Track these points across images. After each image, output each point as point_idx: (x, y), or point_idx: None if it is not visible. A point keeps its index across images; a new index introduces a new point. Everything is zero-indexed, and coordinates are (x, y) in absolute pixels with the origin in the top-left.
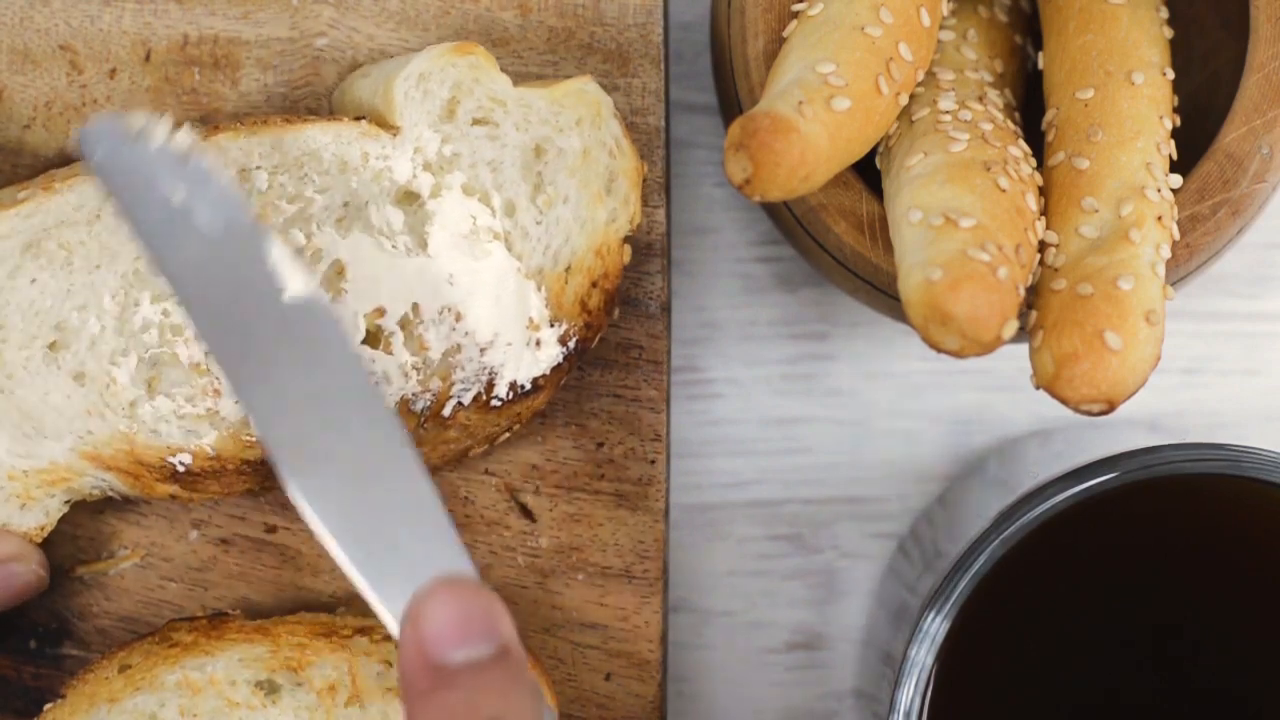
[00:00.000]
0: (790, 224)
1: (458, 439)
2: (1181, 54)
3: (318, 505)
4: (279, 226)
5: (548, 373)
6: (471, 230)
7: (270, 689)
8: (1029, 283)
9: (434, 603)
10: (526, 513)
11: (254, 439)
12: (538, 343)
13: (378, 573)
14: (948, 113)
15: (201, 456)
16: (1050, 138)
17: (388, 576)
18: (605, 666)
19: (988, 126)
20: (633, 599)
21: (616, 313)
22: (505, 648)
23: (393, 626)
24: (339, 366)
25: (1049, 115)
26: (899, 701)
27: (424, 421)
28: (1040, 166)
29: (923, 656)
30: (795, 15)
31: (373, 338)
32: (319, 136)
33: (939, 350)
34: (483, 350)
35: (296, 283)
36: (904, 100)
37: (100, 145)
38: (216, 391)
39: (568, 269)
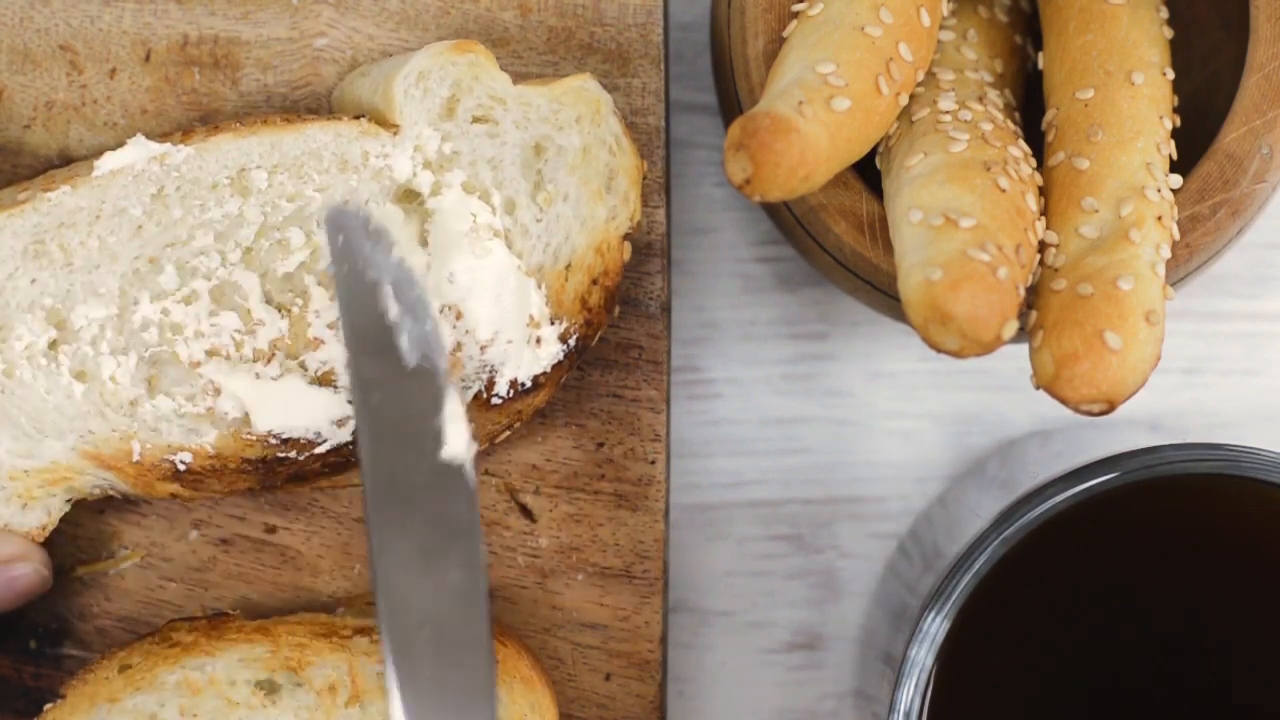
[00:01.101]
0: (790, 224)
1: None
2: (1181, 54)
3: (396, 655)
4: (278, 225)
5: (548, 370)
6: (471, 228)
7: (270, 689)
8: (1029, 283)
9: None
10: (526, 513)
11: (253, 438)
12: (538, 340)
13: None
14: (948, 113)
15: (202, 455)
16: (1050, 138)
17: None
18: (605, 666)
19: (988, 126)
20: (633, 599)
21: (617, 310)
22: None
23: None
24: (461, 533)
25: (1049, 115)
26: (899, 701)
27: None
28: (1040, 166)
29: (923, 656)
30: (795, 15)
31: None
32: (319, 135)
33: (939, 350)
34: (483, 348)
35: (455, 444)
36: (904, 100)
37: (344, 232)
38: (216, 390)
39: (568, 266)
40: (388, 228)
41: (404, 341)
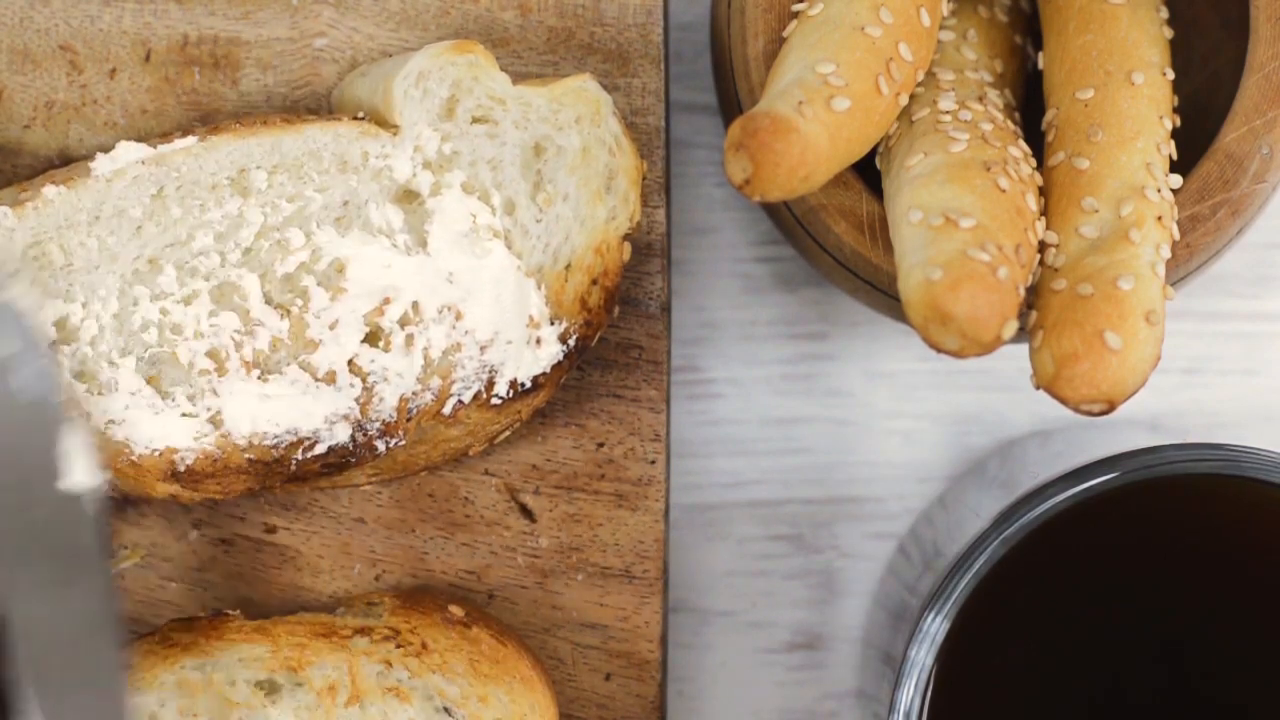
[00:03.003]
0: (790, 224)
1: (458, 437)
2: (1181, 54)
3: (38, 696)
4: (278, 225)
5: (548, 370)
6: (471, 228)
7: (270, 689)
8: (1029, 283)
9: None
10: (526, 513)
11: (253, 439)
12: (538, 340)
13: None
14: (948, 113)
15: (202, 455)
16: (1050, 138)
17: None
18: (605, 666)
19: (988, 126)
20: (633, 599)
21: (616, 310)
22: None
23: None
24: (87, 568)
25: (1049, 115)
26: (899, 701)
27: (424, 419)
28: (1040, 166)
29: (923, 656)
30: (795, 15)
31: (373, 336)
32: (318, 136)
33: (939, 350)
34: (483, 348)
35: (78, 475)
36: (904, 100)
37: None
38: (215, 391)
39: (568, 267)
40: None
41: (14, 380)
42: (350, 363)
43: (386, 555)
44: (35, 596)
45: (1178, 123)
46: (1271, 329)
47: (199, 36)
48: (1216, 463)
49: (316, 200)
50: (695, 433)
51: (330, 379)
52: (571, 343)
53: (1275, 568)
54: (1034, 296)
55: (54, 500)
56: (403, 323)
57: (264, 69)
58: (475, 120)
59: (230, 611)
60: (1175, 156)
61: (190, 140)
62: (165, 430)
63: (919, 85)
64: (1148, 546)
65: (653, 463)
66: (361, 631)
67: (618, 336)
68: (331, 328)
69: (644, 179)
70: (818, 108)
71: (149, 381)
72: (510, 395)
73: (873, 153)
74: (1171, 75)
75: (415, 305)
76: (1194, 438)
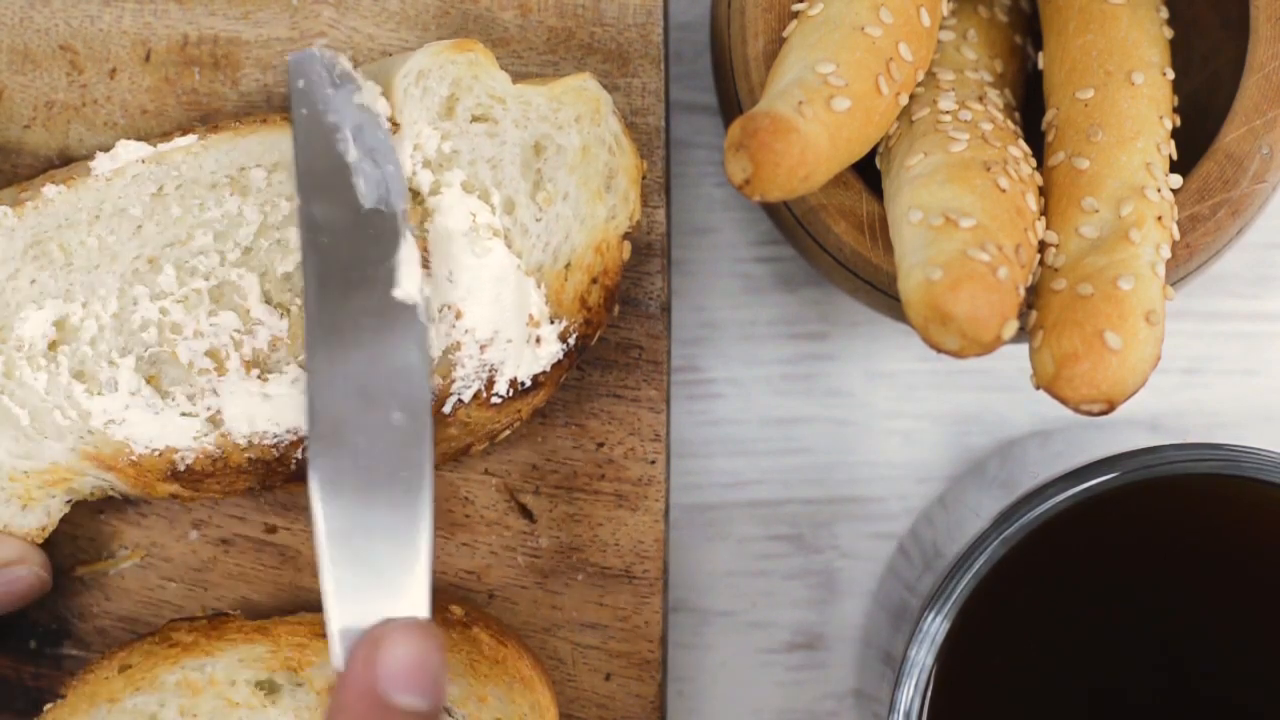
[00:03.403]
0: (790, 224)
1: (458, 436)
2: (1181, 54)
3: (325, 491)
4: (277, 224)
5: (548, 369)
6: (471, 227)
7: (270, 689)
8: (1029, 283)
9: (399, 640)
10: (526, 513)
11: (253, 438)
12: (538, 339)
13: (348, 581)
14: (948, 113)
15: (202, 455)
16: (1050, 138)
17: (355, 588)
18: (605, 666)
19: (988, 126)
20: (633, 599)
21: (616, 310)
22: (438, 709)
23: (335, 637)
24: (406, 374)
25: (1049, 115)
26: (899, 701)
27: None
28: (1040, 166)
29: (923, 656)
30: (795, 15)
31: None
32: None
33: (939, 350)
34: (483, 347)
35: (408, 286)
36: (904, 100)
37: (306, 76)
38: (215, 391)
39: (567, 266)
40: (353, 72)
41: (361, 183)
42: None
43: None
44: (348, 404)
45: (1178, 123)
46: (1271, 329)
47: (199, 36)
48: (1216, 463)
49: None
50: (695, 433)
51: None
52: (571, 342)
53: (1275, 568)
54: (1034, 296)
55: (381, 307)
56: None
57: (264, 69)
58: (475, 119)
59: (230, 611)
60: (1175, 156)
61: (190, 139)
62: (165, 430)
63: (919, 85)
64: (1148, 546)
65: (653, 463)
66: None
67: (618, 336)
68: None
69: (644, 179)
70: (818, 108)
71: (149, 381)
72: (510, 394)
73: (873, 153)
74: (1171, 75)
75: None
76: (1194, 438)
